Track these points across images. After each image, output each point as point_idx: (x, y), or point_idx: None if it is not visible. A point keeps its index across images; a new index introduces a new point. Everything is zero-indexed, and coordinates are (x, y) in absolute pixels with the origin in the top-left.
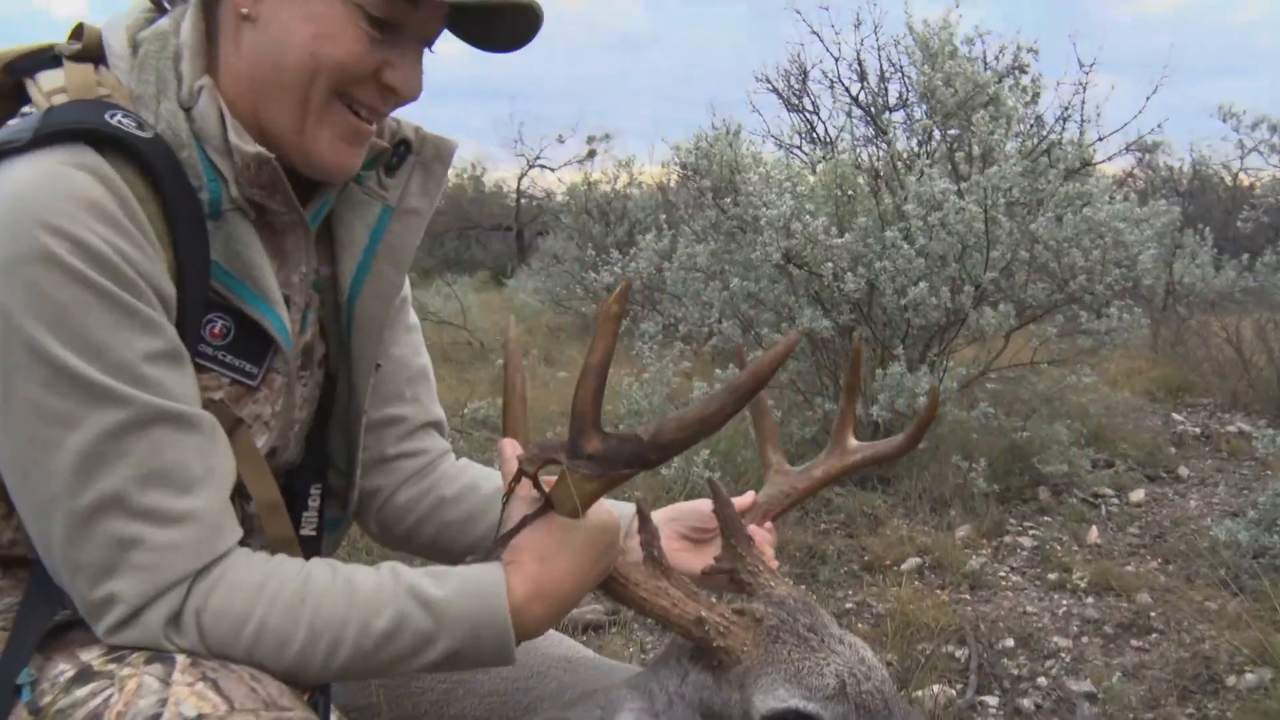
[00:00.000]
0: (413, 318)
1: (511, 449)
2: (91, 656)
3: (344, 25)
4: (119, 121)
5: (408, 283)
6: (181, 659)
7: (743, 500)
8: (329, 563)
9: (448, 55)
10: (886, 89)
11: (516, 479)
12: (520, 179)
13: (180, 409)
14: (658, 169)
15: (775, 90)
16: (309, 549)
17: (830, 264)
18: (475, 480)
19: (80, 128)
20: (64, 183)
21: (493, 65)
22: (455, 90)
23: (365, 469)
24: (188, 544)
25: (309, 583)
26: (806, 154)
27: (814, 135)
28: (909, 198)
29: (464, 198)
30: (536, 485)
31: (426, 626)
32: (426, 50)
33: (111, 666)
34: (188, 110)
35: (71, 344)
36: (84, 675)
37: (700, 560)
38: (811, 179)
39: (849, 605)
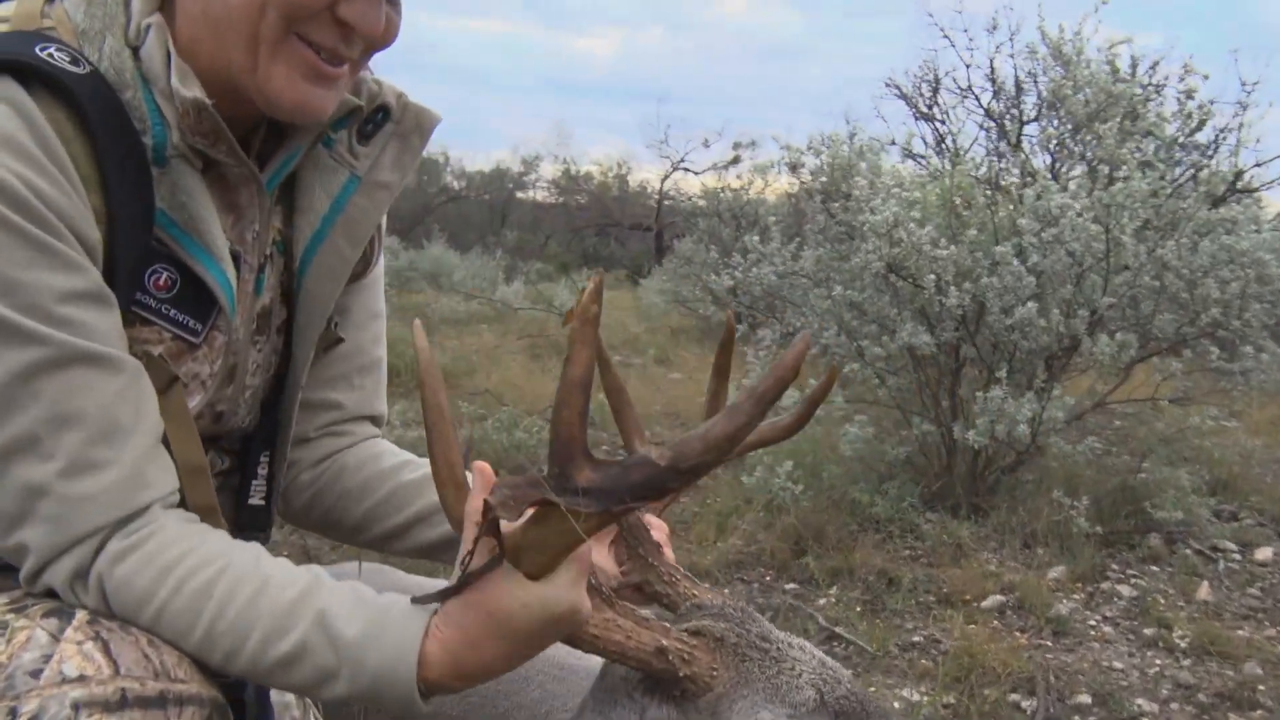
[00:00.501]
0: (380, 305)
1: (482, 480)
2: None
3: None
4: (49, 55)
5: (380, 266)
6: (81, 615)
7: None
8: (255, 554)
9: (597, 54)
10: (1020, 99)
11: (483, 522)
12: (663, 180)
13: (101, 350)
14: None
15: (903, 96)
16: (257, 517)
17: (933, 276)
18: (381, 453)
19: (5, 59)
20: None
21: (643, 65)
22: (603, 88)
23: (292, 445)
24: (101, 495)
25: (222, 576)
26: (932, 164)
27: (942, 145)
28: (1025, 211)
29: (607, 195)
30: (495, 534)
31: (328, 663)
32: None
33: (9, 616)
34: (135, 49)
35: None
36: None
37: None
38: (926, 187)
39: (916, 638)
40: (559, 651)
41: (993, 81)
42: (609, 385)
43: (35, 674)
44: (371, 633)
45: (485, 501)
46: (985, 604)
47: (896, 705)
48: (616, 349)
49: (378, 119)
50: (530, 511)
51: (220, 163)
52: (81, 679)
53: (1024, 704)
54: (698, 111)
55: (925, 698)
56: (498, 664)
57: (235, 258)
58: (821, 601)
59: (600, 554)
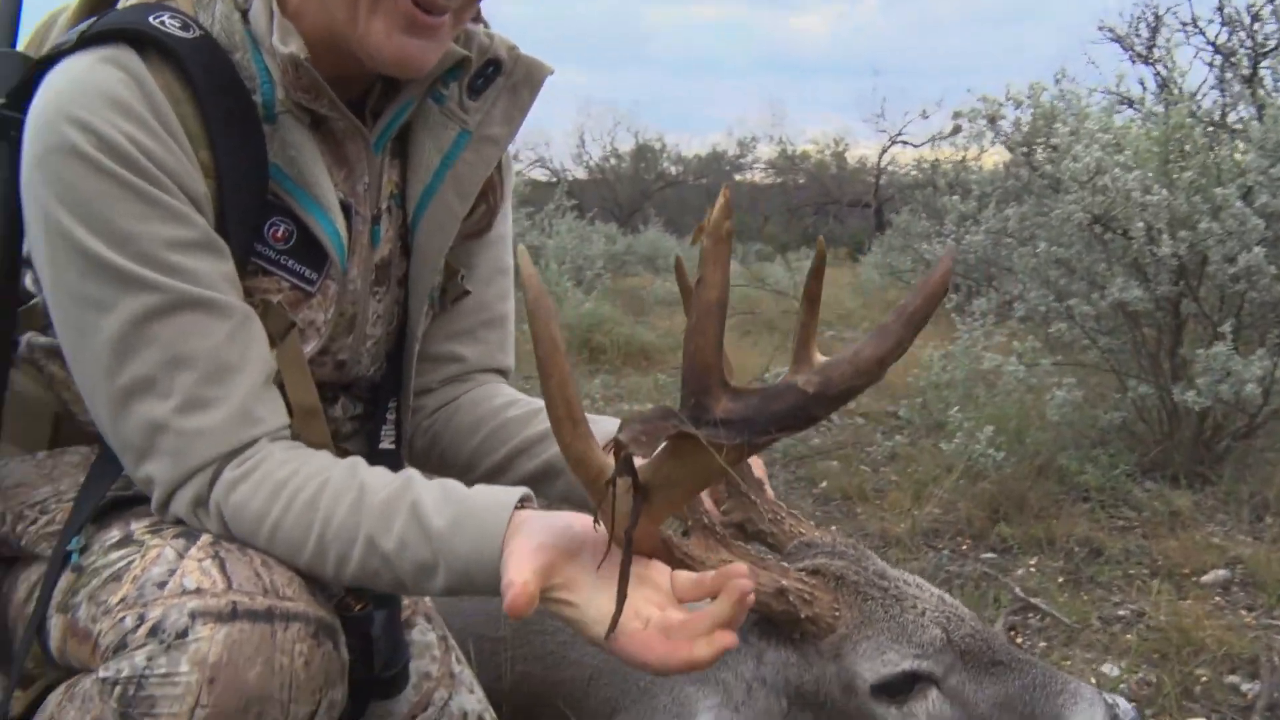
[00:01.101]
0: (507, 261)
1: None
2: (138, 526)
3: None
4: (162, 23)
5: (508, 224)
6: (205, 537)
7: None
8: (352, 464)
9: (812, 31)
10: (1255, 29)
11: (617, 459)
12: (881, 154)
13: (210, 295)
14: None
15: (1118, 39)
16: (388, 460)
17: (1142, 224)
18: (495, 394)
19: (121, 28)
20: (94, 80)
21: (859, 39)
22: (818, 66)
23: (415, 394)
24: (213, 430)
25: (325, 488)
26: (1148, 108)
27: (1164, 89)
28: (1253, 146)
29: (825, 173)
30: (630, 471)
31: (425, 556)
32: None
33: (146, 536)
34: (244, 12)
35: (99, 233)
36: (123, 541)
37: None
38: (1135, 130)
39: (1121, 612)
40: None
41: (1221, 12)
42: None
43: (161, 585)
44: (459, 521)
45: (616, 439)
46: (1206, 579)
47: (1093, 680)
48: (831, 324)
49: (488, 73)
50: (664, 446)
51: (327, 118)
52: (199, 591)
53: (1244, 687)
54: (916, 83)
55: (1125, 673)
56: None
57: (346, 209)
58: (1019, 572)
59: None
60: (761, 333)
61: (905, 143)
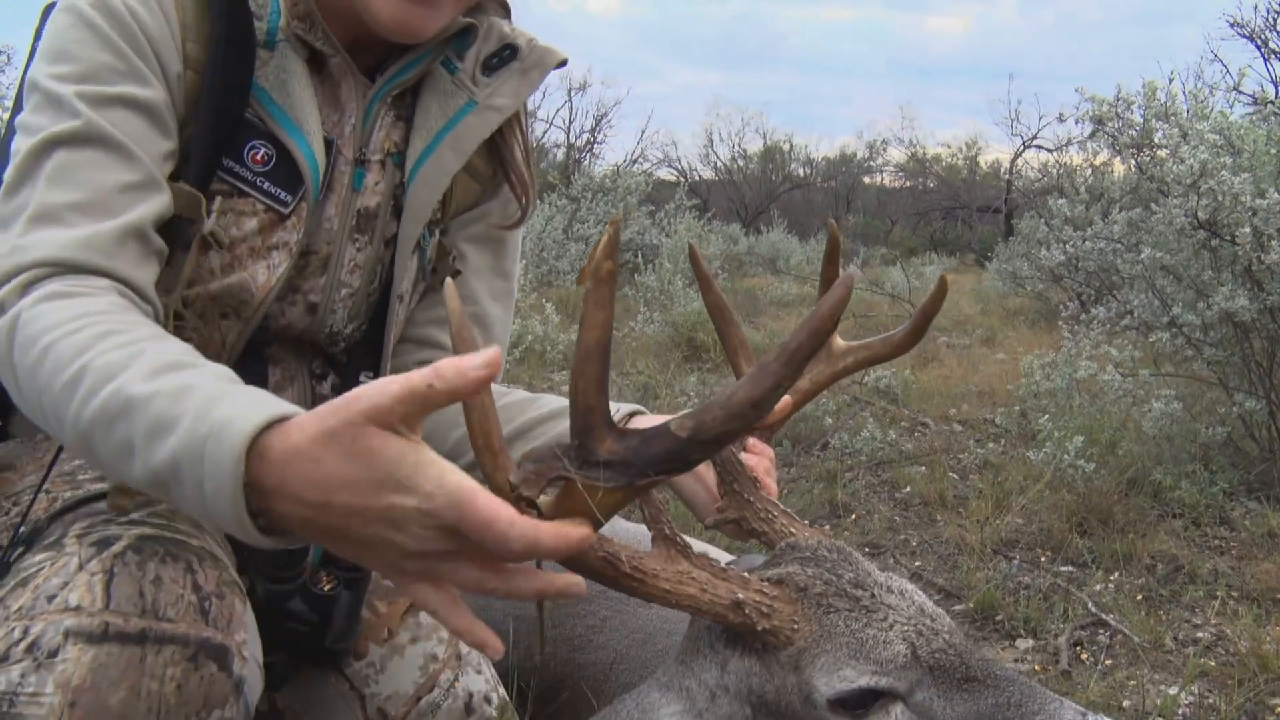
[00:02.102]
0: (508, 266)
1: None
2: (74, 529)
3: None
4: None
5: (517, 235)
6: (115, 547)
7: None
8: (162, 332)
9: (948, 33)
10: None
11: (511, 501)
12: (1013, 159)
13: (125, 143)
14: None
15: (1248, 34)
16: None
17: (1249, 229)
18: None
19: None
20: None
21: (995, 42)
22: (951, 68)
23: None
24: (58, 241)
25: (120, 331)
26: (1270, 109)
27: None
28: None
29: (956, 177)
30: (538, 514)
31: (170, 411)
32: None
33: (69, 542)
34: None
35: (59, 67)
36: (52, 544)
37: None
38: (1247, 130)
39: (1200, 635)
40: None
41: None
42: (711, 304)
43: (50, 599)
44: (229, 391)
45: (509, 480)
46: None
47: (1156, 701)
48: (946, 330)
49: (504, 55)
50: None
51: (326, 60)
52: (77, 609)
53: None
54: (1053, 87)
55: (1184, 692)
56: (322, 492)
57: (329, 144)
58: (1096, 587)
59: (700, 485)
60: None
61: (1039, 147)
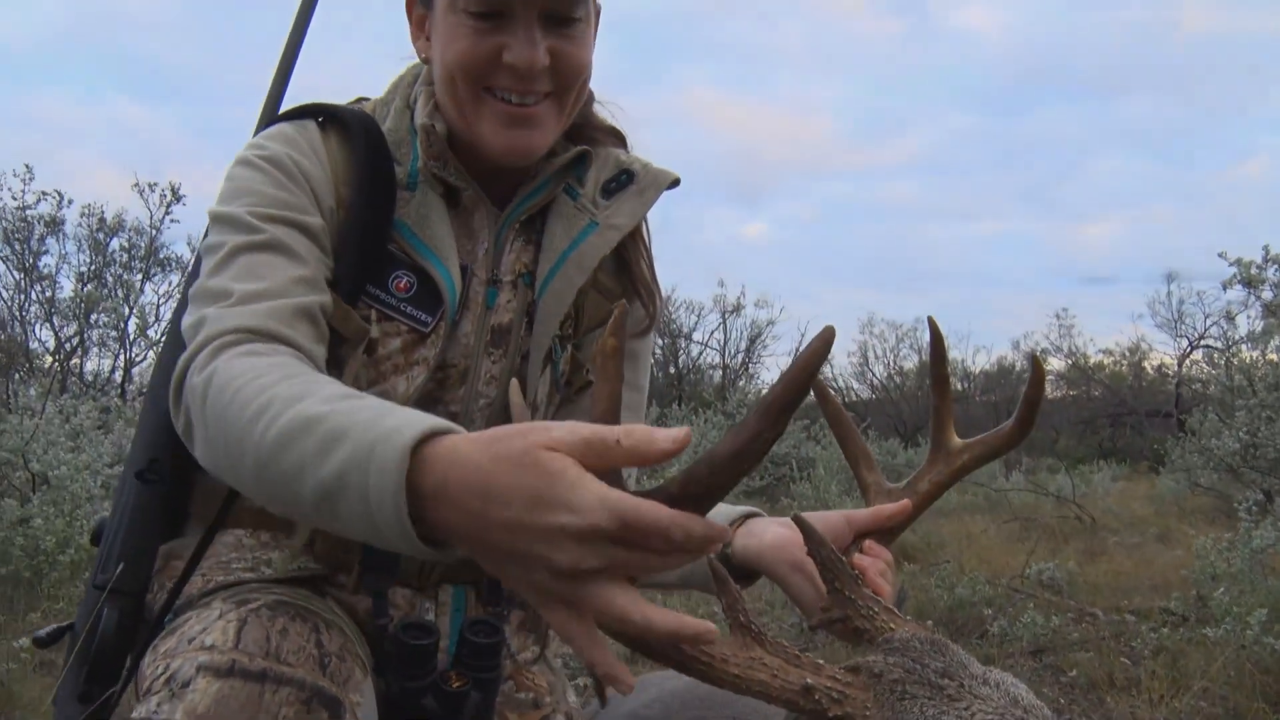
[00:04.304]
0: (640, 380)
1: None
2: (223, 594)
3: (455, 29)
4: (339, 105)
5: (649, 346)
6: (253, 604)
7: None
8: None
9: (1102, 238)
10: None
11: None
12: (1181, 361)
13: (295, 249)
14: None
15: None
16: None
17: None
18: None
19: (309, 108)
20: (277, 129)
21: (1151, 243)
22: (1105, 275)
23: None
24: (252, 313)
25: (301, 375)
26: None
27: None
28: None
29: (1122, 383)
30: None
31: (341, 424)
32: (566, 26)
33: (215, 600)
34: (412, 109)
35: (233, 200)
36: (201, 604)
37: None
38: None
39: None
40: None
41: None
42: (830, 415)
43: (191, 640)
44: (400, 409)
45: None
46: None
47: None
48: (1117, 531)
49: (622, 179)
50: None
51: (459, 193)
52: (211, 647)
53: None
54: (1216, 286)
55: None
56: (482, 499)
57: (464, 269)
58: None
59: (809, 584)
60: (1035, 534)
61: (1207, 347)
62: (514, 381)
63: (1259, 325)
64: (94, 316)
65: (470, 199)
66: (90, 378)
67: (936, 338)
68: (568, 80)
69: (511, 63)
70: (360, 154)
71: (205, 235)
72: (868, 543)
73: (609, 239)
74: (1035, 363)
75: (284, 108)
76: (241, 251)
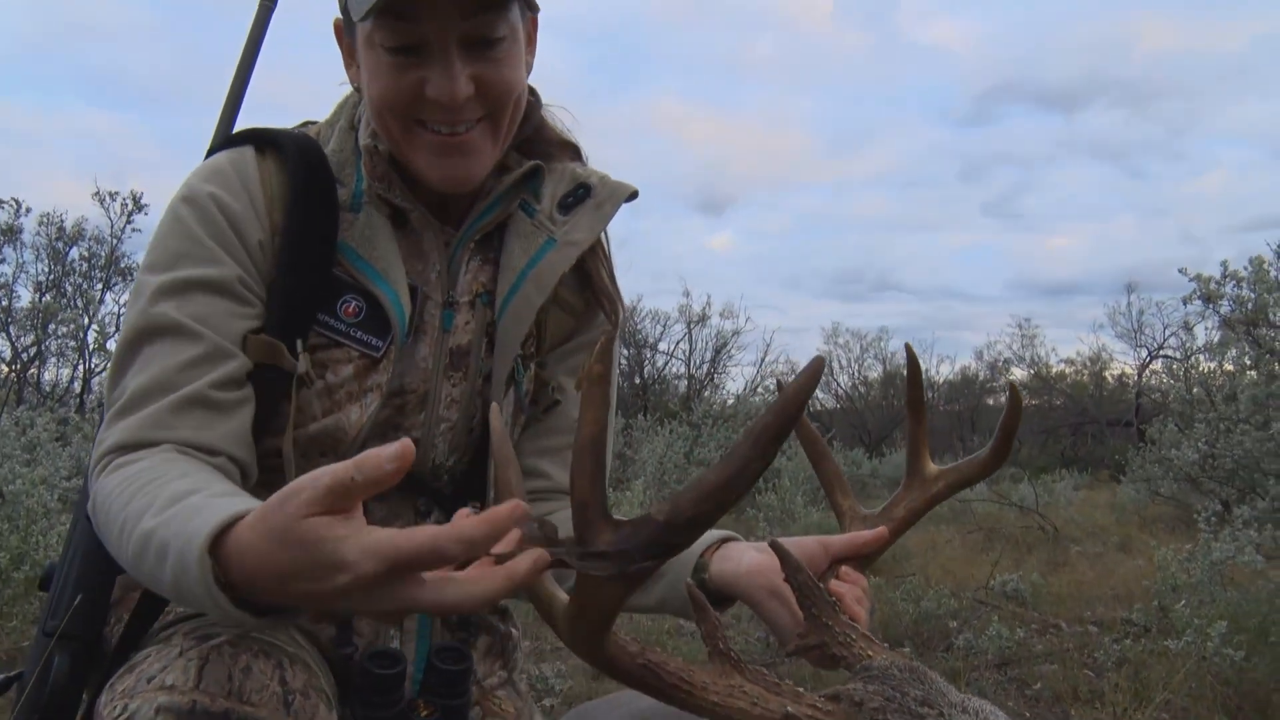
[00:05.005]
0: (609, 398)
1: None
2: (183, 628)
3: (375, 65)
4: (277, 129)
5: (614, 364)
6: (217, 640)
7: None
8: (191, 466)
9: (1064, 251)
10: None
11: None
12: (1140, 371)
13: (189, 325)
14: None
15: None
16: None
17: None
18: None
19: (247, 133)
20: (212, 162)
21: (1112, 255)
22: (1068, 287)
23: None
24: (126, 427)
25: (156, 477)
26: None
27: None
28: None
29: (1083, 393)
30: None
31: (166, 538)
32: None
33: (176, 636)
34: (357, 132)
35: (149, 258)
36: (161, 639)
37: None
38: None
39: None
40: None
41: None
42: (805, 438)
43: (150, 680)
44: (203, 506)
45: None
46: None
47: None
48: (1079, 540)
49: (579, 194)
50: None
51: (407, 215)
52: (171, 688)
53: None
54: (1175, 297)
55: None
56: (276, 579)
57: (414, 290)
58: None
59: (785, 610)
60: (1000, 545)
61: (1166, 357)
62: (494, 406)
63: (1216, 336)
64: (52, 326)
65: (418, 220)
66: (48, 388)
67: (913, 364)
68: (498, 104)
69: (434, 97)
70: (296, 176)
71: (131, 294)
72: (844, 569)
73: (568, 255)
74: (1013, 391)
75: (239, 124)
76: (141, 342)
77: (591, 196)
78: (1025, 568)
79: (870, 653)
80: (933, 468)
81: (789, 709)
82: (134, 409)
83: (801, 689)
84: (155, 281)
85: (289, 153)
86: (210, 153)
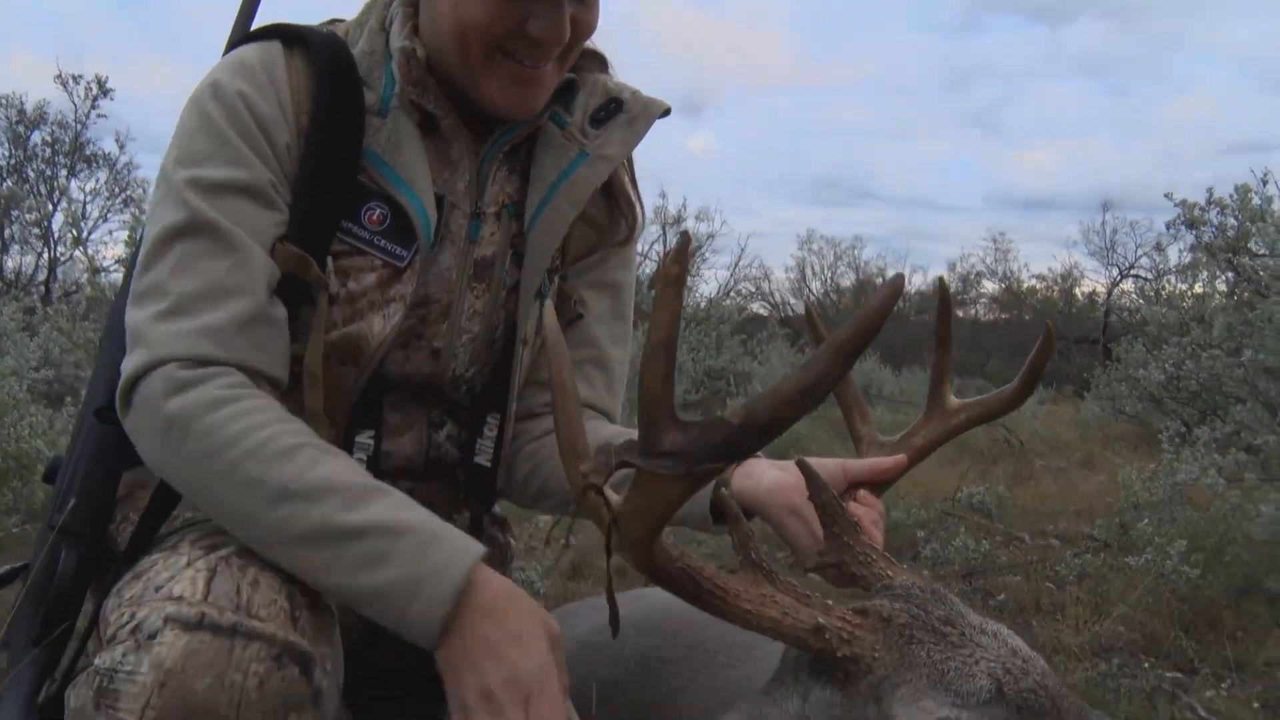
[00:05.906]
0: (626, 312)
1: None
2: (190, 536)
3: None
4: (306, 26)
5: (631, 274)
6: (222, 551)
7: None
8: (318, 444)
9: (1041, 167)
10: None
11: (581, 495)
12: (1110, 290)
13: (227, 227)
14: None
15: None
16: (481, 476)
17: None
18: (600, 426)
19: (274, 28)
20: (239, 55)
21: (1089, 173)
22: (1045, 202)
23: (519, 419)
24: (182, 334)
25: (304, 445)
26: None
27: None
28: None
29: (1053, 309)
30: (605, 501)
31: (382, 547)
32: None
33: (184, 545)
34: (387, 31)
35: (177, 155)
36: (168, 546)
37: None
38: None
39: None
40: None
41: None
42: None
43: (158, 589)
44: (437, 529)
45: (581, 471)
46: None
47: None
48: (1043, 455)
49: (611, 108)
50: (619, 474)
51: (437, 122)
52: (179, 598)
53: None
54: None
55: None
56: (505, 635)
57: (441, 200)
58: (1209, 694)
59: (804, 528)
60: (964, 456)
61: (1137, 276)
62: (549, 304)
63: (1188, 258)
64: (15, 213)
65: (449, 127)
66: (11, 276)
67: (945, 300)
68: (579, 43)
69: (538, 36)
70: (323, 80)
71: (156, 185)
72: (861, 493)
73: (600, 170)
74: (1047, 330)
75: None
76: (177, 238)
77: (624, 111)
78: (991, 480)
79: (890, 573)
80: (954, 400)
81: (820, 619)
82: (185, 314)
83: (831, 602)
84: (186, 175)
85: (318, 53)
86: (231, 45)
